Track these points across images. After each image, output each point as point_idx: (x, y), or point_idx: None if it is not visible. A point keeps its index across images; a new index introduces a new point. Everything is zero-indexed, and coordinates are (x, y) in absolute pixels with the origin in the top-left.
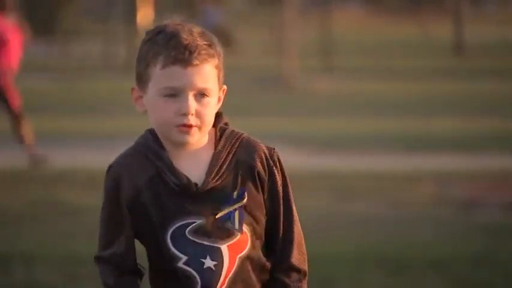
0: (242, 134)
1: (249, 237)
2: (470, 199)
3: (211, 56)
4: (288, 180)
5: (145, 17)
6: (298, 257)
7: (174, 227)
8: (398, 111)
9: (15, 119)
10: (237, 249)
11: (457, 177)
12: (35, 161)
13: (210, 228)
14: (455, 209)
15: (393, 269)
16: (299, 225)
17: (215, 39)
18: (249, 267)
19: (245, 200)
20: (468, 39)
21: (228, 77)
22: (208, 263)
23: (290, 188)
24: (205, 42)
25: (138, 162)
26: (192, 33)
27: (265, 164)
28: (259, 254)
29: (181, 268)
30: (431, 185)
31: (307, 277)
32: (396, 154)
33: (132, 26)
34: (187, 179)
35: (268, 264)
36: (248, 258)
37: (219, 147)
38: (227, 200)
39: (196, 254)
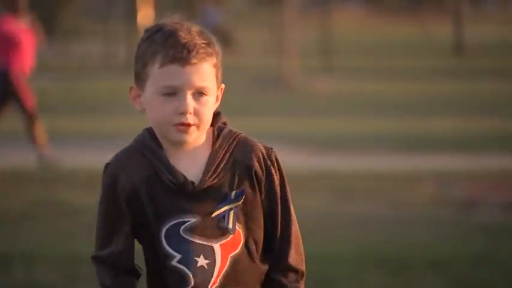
0: (240, 133)
1: (242, 236)
2: (470, 199)
3: (210, 54)
4: (286, 180)
5: (145, 17)
6: (296, 257)
7: (168, 225)
8: (398, 111)
9: (29, 119)
10: (229, 248)
11: (457, 177)
12: (46, 162)
13: (204, 227)
14: (455, 209)
15: (393, 269)
16: (297, 225)
17: (213, 38)
18: (241, 267)
19: (242, 201)
20: (468, 39)
21: (228, 77)
22: (201, 261)
23: (288, 188)
24: (203, 41)
25: (136, 160)
26: (191, 32)
27: (263, 164)
28: (253, 254)
29: (175, 266)
30: (431, 185)
31: (304, 277)
32: (396, 154)
33: (132, 26)
34: (184, 177)
35: (263, 265)
36: (240, 257)
37: (216, 146)
38: (224, 200)
39: (190, 253)
